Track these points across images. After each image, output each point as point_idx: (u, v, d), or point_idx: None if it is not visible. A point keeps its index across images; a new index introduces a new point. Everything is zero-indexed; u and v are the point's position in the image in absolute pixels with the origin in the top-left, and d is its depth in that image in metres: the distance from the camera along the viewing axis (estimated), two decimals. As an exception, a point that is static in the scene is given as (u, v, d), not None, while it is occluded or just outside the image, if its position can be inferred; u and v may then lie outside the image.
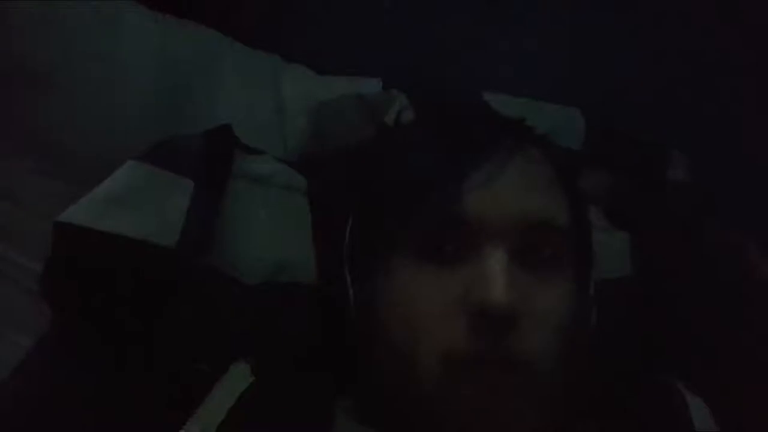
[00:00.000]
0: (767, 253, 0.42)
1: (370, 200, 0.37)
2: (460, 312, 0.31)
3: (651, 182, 0.50)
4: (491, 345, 0.31)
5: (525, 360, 0.31)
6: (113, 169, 0.37)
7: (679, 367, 0.39)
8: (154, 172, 0.37)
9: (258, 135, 0.47)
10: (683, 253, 0.44)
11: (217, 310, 0.38)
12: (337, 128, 0.49)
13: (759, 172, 0.52)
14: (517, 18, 0.53)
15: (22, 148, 0.44)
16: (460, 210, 0.32)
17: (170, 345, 0.36)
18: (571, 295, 0.34)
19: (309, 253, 0.40)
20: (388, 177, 0.36)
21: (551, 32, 0.54)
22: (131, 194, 0.36)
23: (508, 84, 0.51)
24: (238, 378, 0.34)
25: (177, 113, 0.47)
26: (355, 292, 0.36)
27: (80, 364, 0.36)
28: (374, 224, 0.35)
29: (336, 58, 0.53)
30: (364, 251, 0.36)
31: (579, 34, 0.54)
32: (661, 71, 0.55)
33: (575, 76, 0.54)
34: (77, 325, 0.36)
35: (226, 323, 0.38)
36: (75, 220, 0.35)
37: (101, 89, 0.45)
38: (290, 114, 0.51)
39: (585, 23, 0.54)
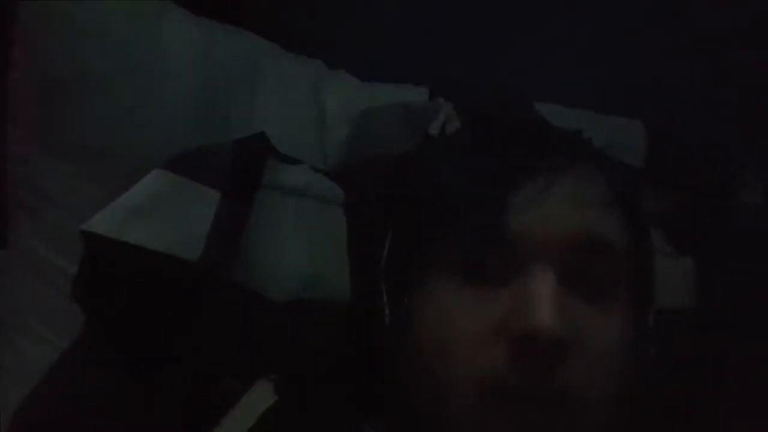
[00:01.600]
0: None
1: (410, 214, 0.35)
2: (500, 337, 0.29)
3: (721, 204, 0.45)
4: (534, 376, 0.29)
5: (573, 395, 0.29)
6: (152, 175, 0.37)
7: (747, 409, 0.35)
8: (179, 182, 0.36)
9: (298, 144, 0.46)
10: (756, 284, 0.39)
11: (243, 325, 0.37)
12: (379, 138, 0.47)
13: None
14: (575, 26, 0.50)
15: (64, 151, 0.45)
16: (505, 227, 0.30)
17: (195, 358, 0.35)
18: (627, 324, 0.31)
19: (343, 268, 0.39)
20: (430, 190, 0.34)
21: (614, 41, 0.50)
22: (154, 204, 0.35)
23: (564, 95, 0.48)
24: (260, 396, 0.33)
25: (217, 119, 0.46)
26: (390, 310, 0.34)
27: (108, 371, 0.35)
28: (414, 240, 0.34)
29: (382, 65, 0.52)
30: (402, 268, 0.34)
31: (643, 43, 0.50)
32: (734, 84, 0.50)
33: (638, 87, 0.50)
34: (106, 332, 0.36)
35: (252, 339, 0.36)
36: (98, 229, 0.35)
37: (142, 94, 0.45)
38: (332, 122, 0.50)
39: (649, 33, 0.50)
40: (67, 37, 0.45)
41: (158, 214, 0.35)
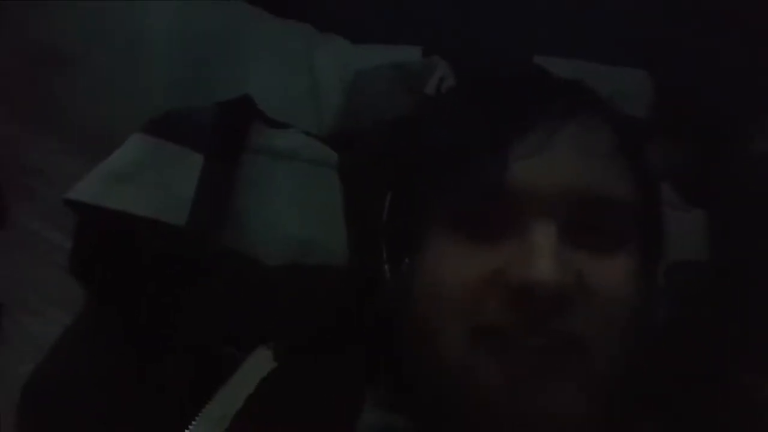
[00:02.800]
0: None
1: (409, 174, 0.34)
2: (496, 287, 0.28)
3: (732, 153, 0.43)
4: (534, 323, 0.27)
5: (573, 342, 0.28)
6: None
7: (764, 365, 0.34)
8: (160, 145, 0.35)
9: (291, 110, 0.45)
10: (770, 235, 0.38)
11: (238, 292, 0.36)
12: (373, 100, 0.46)
13: None
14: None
15: (48, 126, 0.44)
16: (504, 180, 0.29)
17: (192, 326, 0.34)
18: (634, 276, 0.30)
19: (338, 232, 0.38)
20: (428, 148, 0.33)
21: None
22: (136, 169, 0.35)
23: (563, 47, 0.46)
24: (259, 363, 0.32)
25: (203, 89, 0.44)
26: (390, 271, 0.33)
27: (110, 343, 0.35)
28: (413, 198, 0.33)
29: (372, 25, 0.50)
30: (401, 228, 0.33)
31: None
32: (747, 34, 0.47)
33: (641, 36, 0.48)
34: (104, 305, 0.35)
35: (248, 306, 0.36)
36: (81, 196, 0.34)
37: (124, 66, 0.44)
38: (325, 87, 0.48)
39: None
40: (49, 13, 0.44)
41: (140, 178, 0.34)
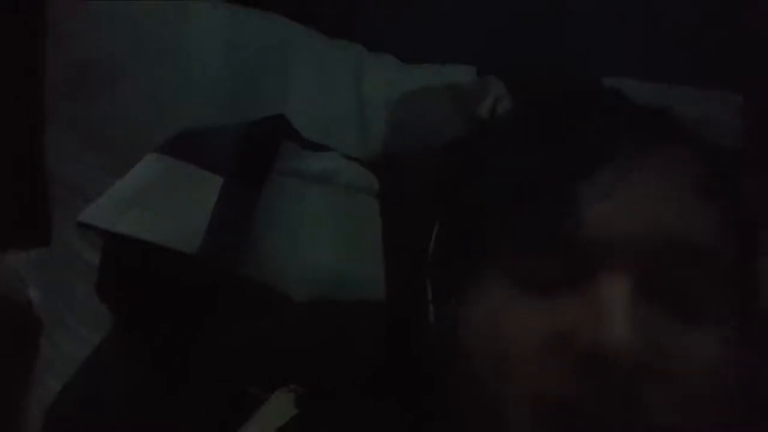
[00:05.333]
0: None
1: (461, 206, 0.31)
2: (564, 351, 0.24)
3: None
4: (607, 399, 0.23)
5: (655, 426, 0.24)
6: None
7: None
8: (177, 167, 0.33)
9: (336, 132, 0.43)
10: None
11: (261, 327, 0.33)
12: (422, 122, 0.43)
13: None
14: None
15: (91, 144, 0.44)
16: (572, 223, 0.26)
17: (214, 361, 0.32)
18: (728, 344, 0.25)
19: (376, 264, 0.34)
20: (484, 179, 0.30)
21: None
22: (149, 192, 0.33)
23: (637, 67, 0.41)
24: (278, 409, 0.29)
25: (248, 108, 0.43)
26: (435, 314, 0.30)
27: (135, 368, 0.34)
28: (464, 234, 0.29)
29: (424, 44, 0.48)
30: (449, 265, 0.30)
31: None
32: None
33: (728, 54, 0.42)
34: (129, 329, 0.34)
35: (272, 343, 0.33)
36: (92, 219, 0.33)
37: (168, 85, 0.44)
38: (372, 108, 0.46)
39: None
40: (95, 28, 0.44)
41: (153, 202, 0.33)
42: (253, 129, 0.36)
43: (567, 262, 0.25)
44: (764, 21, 0.42)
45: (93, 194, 0.44)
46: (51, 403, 0.36)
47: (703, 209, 0.26)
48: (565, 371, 0.24)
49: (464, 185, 0.31)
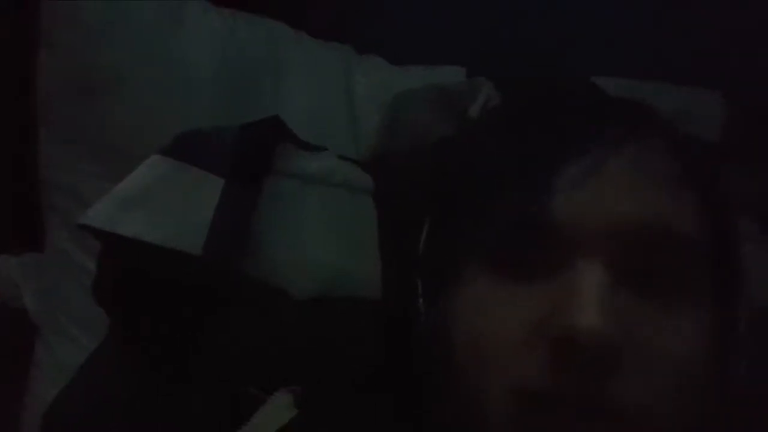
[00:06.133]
0: None
1: (447, 203, 0.31)
2: (540, 339, 0.25)
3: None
4: (578, 383, 0.24)
5: (628, 410, 0.24)
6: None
7: None
8: (177, 168, 0.33)
9: (328, 133, 0.43)
10: None
11: (262, 326, 0.33)
12: (413, 123, 0.43)
13: None
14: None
15: (89, 151, 0.44)
16: (547, 212, 0.26)
17: (213, 360, 0.33)
18: (704, 329, 0.26)
19: (374, 262, 0.35)
20: (467, 175, 0.30)
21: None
22: (151, 193, 0.33)
23: (620, 68, 0.42)
24: (277, 410, 0.29)
25: (242, 111, 0.44)
26: (426, 309, 0.30)
27: (132, 372, 0.34)
28: (450, 230, 0.30)
29: (414, 45, 0.48)
30: (438, 262, 0.30)
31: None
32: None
33: (710, 53, 0.43)
34: (127, 333, 0.34)
35: (273, 341, 0.33)
36: (93, 221, 0.33)
37: (164, 90, 0.44)
38: (363, 110, 0.47)
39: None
40: (88, 35, 0.44)
41: (155, 203, 0.33)
42: (251, 130, 0.36)
43: (542, 251, 0.26)
44: (747, 19, 0.43)
45: (88, 199, 0.43)
46: (48, 408, 0.35)
47: (677, 197, 0.26)
48: (541, 360, 0.24)
49: (449, 181, 0.31)
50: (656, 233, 0.25)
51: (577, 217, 0.25)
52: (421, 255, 0.31)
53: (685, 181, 0.27)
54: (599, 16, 0.46)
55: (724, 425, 0.26)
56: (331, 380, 0.32)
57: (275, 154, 0.36)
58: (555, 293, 0.25)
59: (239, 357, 0.33)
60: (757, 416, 0.28)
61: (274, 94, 0.45)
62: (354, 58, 0.49)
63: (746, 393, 0.28)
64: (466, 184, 0.30)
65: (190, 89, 0.44)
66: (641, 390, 0.24)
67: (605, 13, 0.45)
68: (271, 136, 0.37)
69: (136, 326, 0.34)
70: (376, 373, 0.32)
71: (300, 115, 0.42)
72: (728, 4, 0.44)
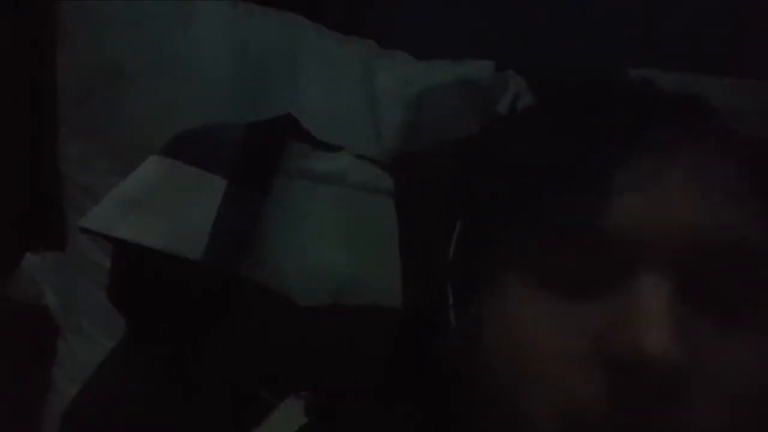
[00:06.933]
0: None
1: (482, 204, 0.29)
2: (595, 359, 0.23)
3: None
4: (640, 411, 0.22)
5: None
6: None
7: None
8: (178, 168, 0.32)
9: (348, 130, 0.42)
10: None
11: (269, 333, 0.32)
12: (439, 120, 0.42)
13: None
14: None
15: (103, 146, 0.44)
16: (601, 221, 0.24)
17: (224, 366, 0.32)
18: None
19: (391, 267, 0.33)
20: (505, 176, 0.28)
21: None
22: (150, 195, 0.32)
23: (664, 58, 0.39)
24: (287, 417, 0.29)
25: (257, 107, 0.42)
26: (457, 318, 0.29)
27: (145, 374, 0.33)
28: (486, 234, 0.28)
29: (440, 39, 0.46)
30: (471, 267, 0.29)
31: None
32: None
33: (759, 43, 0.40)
34: (140, 334, 0.34)
35: (281, 349, 0.32)
36: (92, 224, 0.32)
37: (176, 85, 0.43)
38: (387, 106, 0.45)
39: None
40: (103, 32, 0.44)
41: (154, 205, 0.32)
42: (257, 129, 0.35)
43: (594, 262, 0.24)
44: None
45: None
46: (67, 406, 0.35)
47: (741, 203, 0.24)
48: (598, 383, 0.22)
49: (484, 181, 0.29)
50: (721, 244, 0.24)
51: (636, 226, 0.23)
52: (451, 259, 0.29)
53: (746, 185, 0.25)
54: (634, 6, 0.43)
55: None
56: (340, 387, 0.31)
57: (285, 154, 0.35)
58: (613, 307, 0.23)
59: (248, 361, 0.32)
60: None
61: (291, 90, 0.44)
62: (376, 52, 0.47)
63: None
64: (503, 185, 0.28)
65: (206, 85, 0.43)
66: (708, 414, 0.22)
67: (642, 5, 0.43)
68: (280, 134, 0.36)
69: (146, 327, 0.33)
70: (390, 381, 0.31)
71: (318, 113, 0.40)
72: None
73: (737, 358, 0.23)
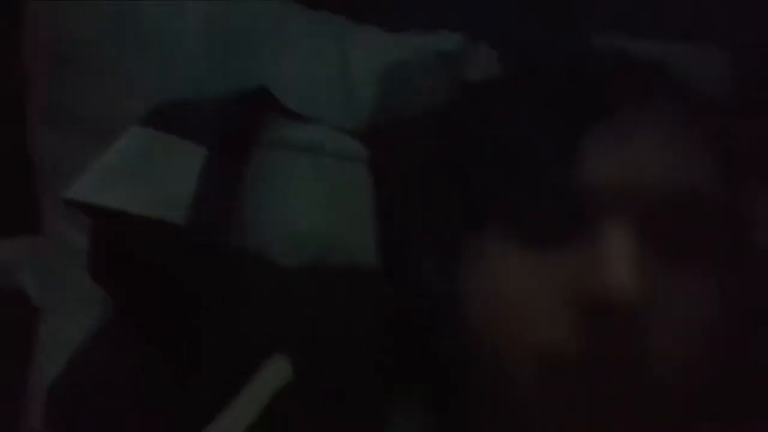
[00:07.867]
0: None
1: (454, 167, 0.31)
2: (567, 304, 0.25)
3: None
4: (608, 347, 0.24)
5: (651, 369, 0.24)
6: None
7: None
8: (159, 138, 0.33)
9: (321, 104, 0.42)
10: None
11: (254, 295, 0.33)
12: (411, 91, 0.43)
13: None
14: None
15: (76, 129, 0.43)
16: (571, 177, 0.26)
17: (210, 332, 0.32)
18: (725, 286, 0.26)
19: (365, 231, 0.34)
20: (478, 140, 0.30)
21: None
22: (132, 164, 0.32)
23: (626, 26, 0.41)
24: (275, 373, 0.29)
25: (235, 83, 0.42)
26: (431, 276, 0.30)
27: (129, 347, 0.34)
28: (460, 195, 0.30)
29: (411, 13, 0.47)
30: (444, 227, 0.30)
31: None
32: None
33: (708, 8, 0.42)
34: (122, 306, 0.34)
35: (265, 310, 0.33)
36: (76, 195, 0.32)
37: (153, 59, 0.43)
38: (357, 80, 0.46)
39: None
40: (71, 7, 0.43)
41: (137, 174, 0.32)
42: (235, 100, 0.36)
43: (566, 217, 0.25)
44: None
45: (78, 176, 0.44)
46: (52, 380, 0.36)
47: (700, 157, 0.26)
48: (570, 324, 0.24)
49: (459, 147, 0.31)
50: (683, 194, 0.25)
51: (604, 180, 0.25)
52: (423, 221, 0.31)
53: (705, 140, 0.27)
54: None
55: (754, 384, 0.26)
56: (328, 346, 0.32)
57: (262, 125, 0.35)
58: (583, 256, 0.25)
59: (234, 326, 0.33)
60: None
61: (267, 65, 0.44)
62: (347, 26, 0.48)
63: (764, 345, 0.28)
64: (477, 148, 0.29)
65: (182, 61, 0.43)
66: (665, 346, 0.24)
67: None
68: (257, 106, 0.36)
69: (129, 301, 0.33)
70: (373, 340, 0.32)
71: (293, 87, 0.41)
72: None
73: (692, 297, 0.25)
